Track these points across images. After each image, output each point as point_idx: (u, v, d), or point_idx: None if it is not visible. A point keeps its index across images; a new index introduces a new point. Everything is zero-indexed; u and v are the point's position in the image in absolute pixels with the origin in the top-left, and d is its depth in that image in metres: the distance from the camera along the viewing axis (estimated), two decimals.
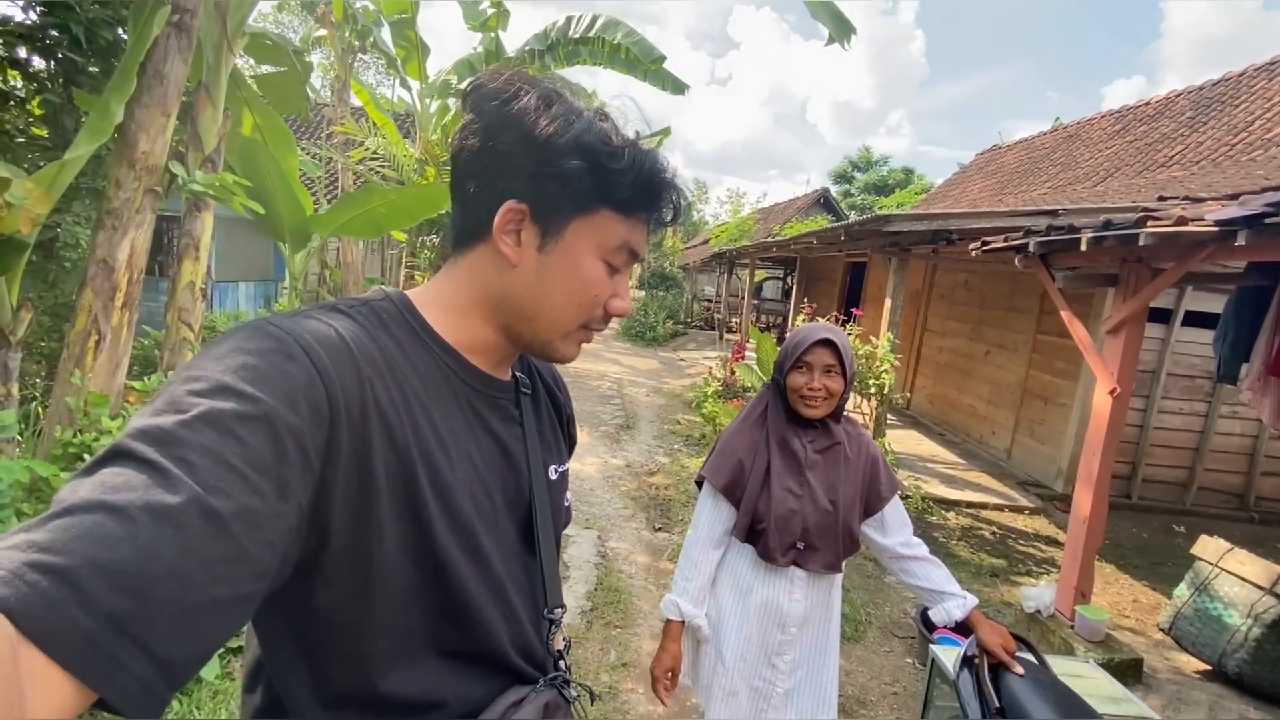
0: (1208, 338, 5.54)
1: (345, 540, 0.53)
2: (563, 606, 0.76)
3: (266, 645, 0.59)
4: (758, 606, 1.57)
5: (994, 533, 4.89)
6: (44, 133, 3.76)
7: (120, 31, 3.37)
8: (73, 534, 0.37)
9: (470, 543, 0.62)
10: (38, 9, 3.26)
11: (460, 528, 0.61)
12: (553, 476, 0.77)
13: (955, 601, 1.57)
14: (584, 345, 0.73)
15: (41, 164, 3.27)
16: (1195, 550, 3.50)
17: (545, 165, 0.61)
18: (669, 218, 0.69)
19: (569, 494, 0.85)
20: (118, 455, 0.42)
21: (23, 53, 3.50)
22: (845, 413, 1.71)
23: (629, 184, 0.63)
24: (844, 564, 1.63)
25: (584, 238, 0.64)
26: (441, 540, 0.59)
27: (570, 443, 0.89)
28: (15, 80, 3.68)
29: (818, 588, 1.60)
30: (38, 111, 3.72)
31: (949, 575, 1.63)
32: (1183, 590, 3.45)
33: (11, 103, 3.65)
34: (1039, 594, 3.33)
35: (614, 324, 18.25)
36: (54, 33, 3.32)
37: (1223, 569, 3.24)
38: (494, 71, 0.65)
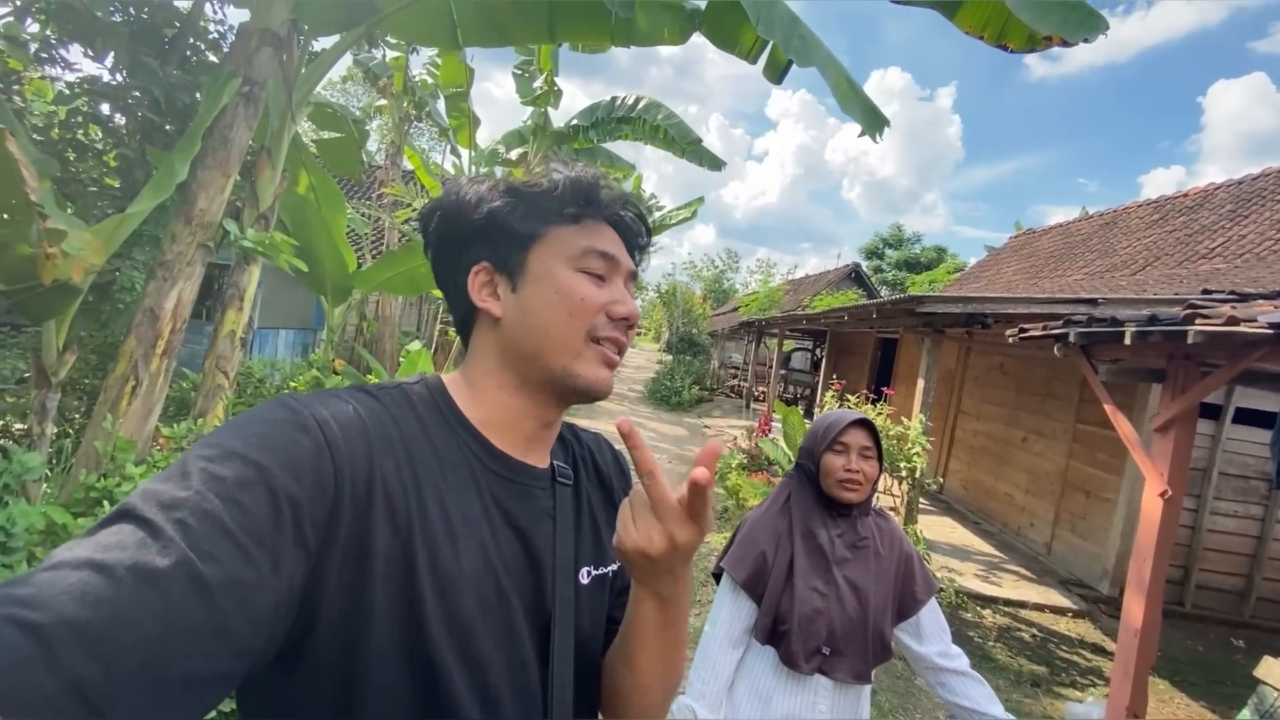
0: (1261, 436, 5.29)
1: (334, 626, 0.50)
2: None
3: None
4: (778, 718, 1.45)
5: (1034, 635, 4.57)
6: (116, 183, 4.00)
7: (197, 95, 3.63)
8: (55, 590, 0.36)
9: (466, 645, 0.56)
10: (124, 72, 3.53)
11: (458, 627, 0.56)
12: (584, 580, 0.69)
13: None
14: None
15: (110, 212, 3.46)
16: (1259, 673, 3.20)
17: (482, 217, 0.66)
18: (620, 207, 0.71)
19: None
20: (121, 515, 0.42)
21: (105, 109, 3.78)
22: (876, 505, 1.63)
23: (559, 195, 0.67)
24: (874, 673, 1.52)
25: (546, 259, 0.66)
26: (435, 639, 0.54)
27: None
28: (95, 134, 3.95)
29: (845, 699, 1.47)
30: (113, 164, 3.97)
31: (991, 695, 1.49)
32: (1246, 717, 3.13)
33: (89, 155, 3.91)
34: (1086, 712, 3.06)
35: (638, 387, 18.26)
36: (136, 93, 3.59)
37: None
38: (430, 201, 0.72)
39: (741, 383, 18.11)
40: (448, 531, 0.57)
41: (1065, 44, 2.63)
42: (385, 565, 0.52)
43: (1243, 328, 2.21)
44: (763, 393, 14.77)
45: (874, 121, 3.13)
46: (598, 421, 11.22)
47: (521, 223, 0.66)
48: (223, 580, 0.41)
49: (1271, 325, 2.13)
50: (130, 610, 0.37)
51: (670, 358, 20.62)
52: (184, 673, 0.38)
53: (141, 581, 0.38)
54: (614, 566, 0.75)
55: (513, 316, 0.65)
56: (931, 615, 1.55)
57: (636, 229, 0.73)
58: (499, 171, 8.91)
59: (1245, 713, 3.21)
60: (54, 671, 0.33)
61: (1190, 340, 2.40)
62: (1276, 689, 3.09)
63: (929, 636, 1.54)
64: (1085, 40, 2.62)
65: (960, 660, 1.52)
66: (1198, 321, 2.38)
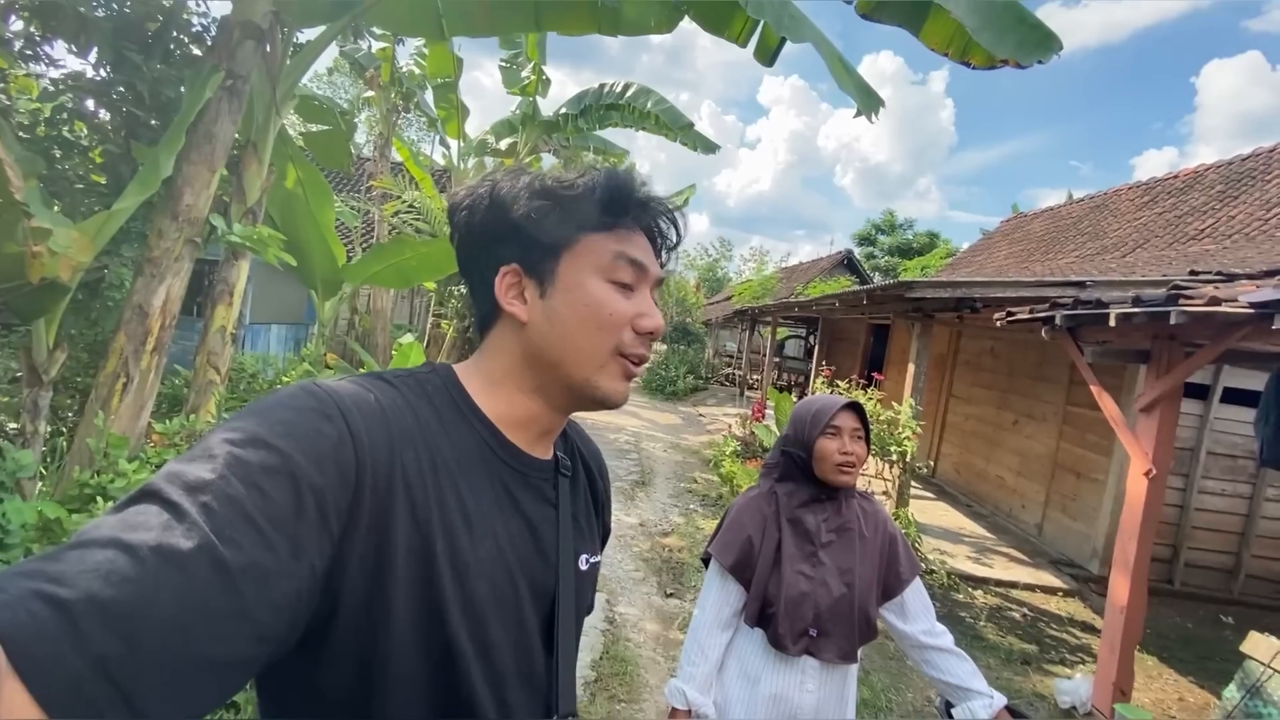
0: (1248, 415, 5.34)
1: (355, 613, 0.51)
2: (574, 715, 0.70)
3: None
4: (767, 698, 1.48)
5: (1025, 615, 4.63)
6: (102, 180, 3.97)
7: (182, 89, 3.59)
8: (82, 567, 0.36)
9: (479, 631, 0.58)
10: (108, 67, 3.50)
11: (472, 613, 0.58)
12: (583, 567, 0.73)
13: (981, 701, 1.47)
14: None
15: (97, 209, 3.43)
16: (1245, 648, 3.26)
17: (515, 218, 0.65)
18: (654, 212, 0.69)
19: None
20: (146, 495, 0.42)
21: (90, 105, 3.74)
22: (860, 488, 1.66)
23: (596, 200, 0.65)
24: (860, 652, 1.55)
25: (577, 267, 0.65)
26: (453, 625, 0.56)
27: (604, 533, 0.85)
28: (80, 130, 3.91)
29: (832, 679, 1.50)
30: (98, 160, 3.93)
31: (975, 670, 1.52)
32: (1232, 692, 3.19)
33: (75, 152, 3.87)
34: (1074, 688, 3.12)
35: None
36: (120, 89, 3.55)
37: (1276, 670, 3.01)
38: (462, 190, 0.71)
39: (736, 371, 18.15)
40: (464, 520, 0.58)
41: (1019, 67, 2.73)
42: (405, 553, 0.53)
43: (1224, 308, 2.23)
44: (757, 380, 14.81)
45: (869, 100, 3.13)
46: (593, 414, 11.23)
47: (555, 228, 0.65)
48: (243, 565, 0.41)
49: (1252, 305, 2.15)
50: (154, 590, 0.37)
51: (665, 347, 20.63)
52: (206, 655, 0.39)
53: (165, 562, 0.38)
54: (599, 556, 0.79)
55: (540, 324, 0.65)
56: (916, 594, 1.58)
57: (667, 231, 0.71)
58: (489, 162, 8.84)
59: (1231, 688, 3.27)
60: (79, 648, 0.34)
61: (1173, 321, 2.43)
62: (1262, 663, 3.15)
63: (914, 615, 1.57)
64: (1039, 62, 2.75)
65: (945, 638, 1.55)
66: (1180, 302, 2.40)
